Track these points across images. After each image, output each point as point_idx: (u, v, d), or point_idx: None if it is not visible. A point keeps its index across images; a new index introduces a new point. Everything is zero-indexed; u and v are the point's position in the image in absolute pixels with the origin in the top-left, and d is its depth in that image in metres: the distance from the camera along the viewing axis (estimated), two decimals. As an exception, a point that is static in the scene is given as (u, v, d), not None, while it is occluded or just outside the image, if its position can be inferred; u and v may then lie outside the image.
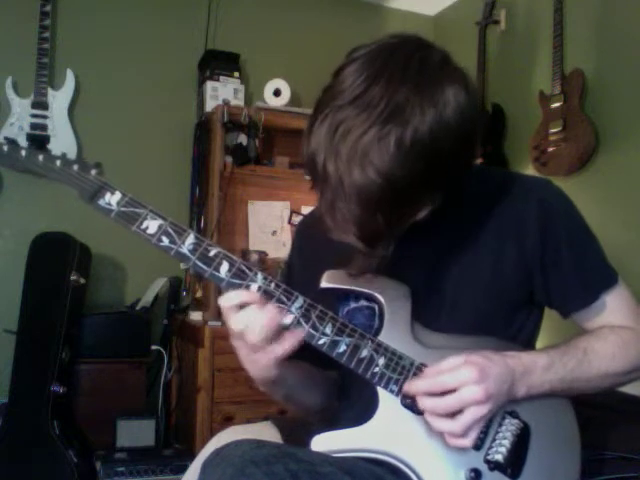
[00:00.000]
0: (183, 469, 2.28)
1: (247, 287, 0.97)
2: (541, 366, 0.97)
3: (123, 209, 0.98)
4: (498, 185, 1.07)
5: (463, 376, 0.91)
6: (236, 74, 3.10)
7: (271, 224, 3.23)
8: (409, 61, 0.86)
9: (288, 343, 0.95)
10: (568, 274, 1.03)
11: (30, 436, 2.41)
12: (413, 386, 0.95)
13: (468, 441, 0.93)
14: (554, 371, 0.97)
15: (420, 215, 0.94)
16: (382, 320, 1.03)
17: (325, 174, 0.85)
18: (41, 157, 0.99)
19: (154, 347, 2.89)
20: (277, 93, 3.11)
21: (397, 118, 0.82)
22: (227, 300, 0.95)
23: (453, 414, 0.91)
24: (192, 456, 2.15)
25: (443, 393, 0.92)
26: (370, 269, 1.01)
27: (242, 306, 0.95)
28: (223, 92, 3.05)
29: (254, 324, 0.93)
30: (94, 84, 3.02)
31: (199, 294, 3.00)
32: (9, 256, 2.82)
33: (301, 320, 0.97)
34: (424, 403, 0.93)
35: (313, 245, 1.18)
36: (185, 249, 0.97)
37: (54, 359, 2.46)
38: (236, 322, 0.94)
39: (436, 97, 0.84)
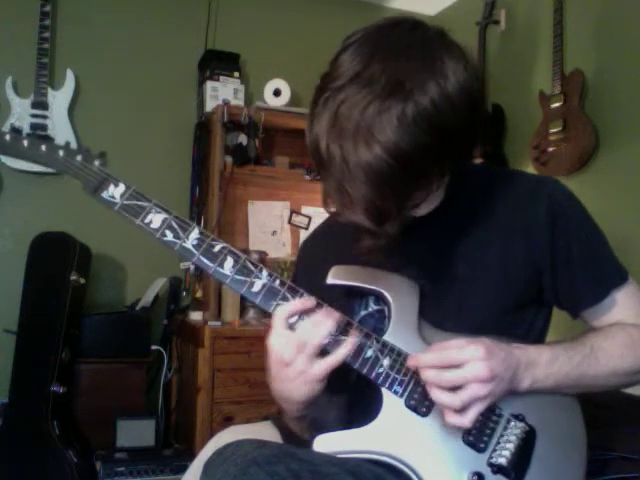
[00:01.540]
0: (183, 469, 2.28)
1: (251, 284, 0.97)
2: (546, 359, 0.96)
3: (127, 202, 0.98)
4: (503, 184, 1.06)
5: (470, 353, 0.90)
6: (236, 74, 3.10)
7: (271, 224, 3.23)
8: (406, 37, 0.87)
9: (346, 346, 0.95)
10: (578, 271, 1.02)
11: (30, 436, 2.40)
12: (420, 359, 0.93)
13: (467, 420, 0.91)
14: (559, 365, 0.97)
15: (430, 190, 0.93)
16: (390, 319, 1.01)
17: (329, 156, 0.85)
18: (44, 147, 0.99)
19: (154, 347, 2.88)
20: (277, 93, 3.11)
21: (398, 92, 0.82)
22: (283, 311, 0.95)
23: (455, 389, 0.90)
24: (192, 456, 2.16)
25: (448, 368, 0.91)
26: (378, 250, 0.99)
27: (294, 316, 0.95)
28: (223, 92, 3.05)
29: (320, 327, 0.93)
30: (94, 84, 3.02)
31: (199, 294, 3.00)
32: (9, 256, 2.82)
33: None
34: (428, 374, 0.92)
35: (318, 261, 1.16)
36: (189, 244, 0.97)
37: (54, 359, 2.45)
38: (301, 330, 0.94)
39: (436, 70, 0.84)
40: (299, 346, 0.93)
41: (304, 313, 0.96)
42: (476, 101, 0.90)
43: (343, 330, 0.97)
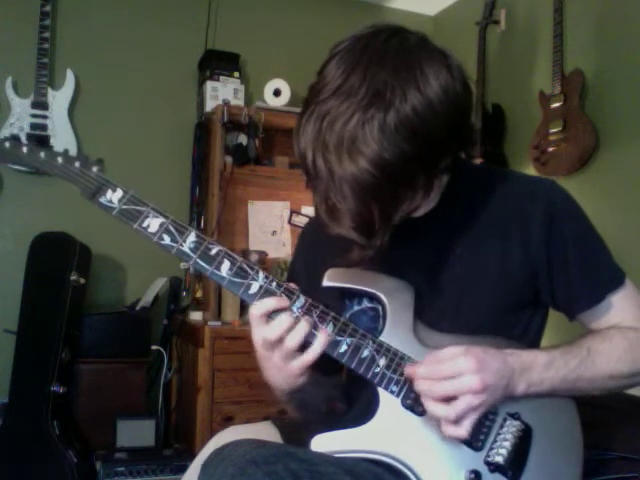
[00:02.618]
0: (183, 469, 2.29)
1: (248, 286, 0.97)
2: (541, 363, 0.96)
3: (125, 207, 0.98)
4: (502, 184, 1.06)
5: (462, 365, 0.91)
6: (236, 74, 3.10)
7: (271, 224, 3.23)
8: (386, 46, 0.87)
9: (319, 344, 0.95)
10: (574, 274, 1.02)
11: (30, 436, 2.41)
12: (413, 372, 0.94)
13: (463, 430, 0.92)
14: (555, 369, 0.97)
15: (416, 201, 0.94)
16: (385, 320, 1.02)
17: (315, 169, 0.86)
18: (43, 154, 0.99)
19: (154, 347, 2.88)
20: (277, 93, 3.11)
21: (378, 102, 0.83)
22: (260, 307, 0.95)
23: (449, 400, 0.91)
24: (192, 456, 2.16)
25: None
26: (367, 260, 1.00)
27: (272, 313, 0.95)
28: (223, 92, 3.05)
29: (295, 328, 0.93)
30: (94, 84, 3.03)
31: (199, 294, 3.00)
32: (9, 256, 2.82)
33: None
34: (421, 386, 0.93)
35: (316, 251, 1.17)
36: (186, 248, 0.97)
37: (54, 359, 2.46)
38: (274, 327, 0.94)
39: (416, 77, 0.85)
40: (274, 343, 0.94)
41: (280, 311, 0.96)
42: (461, 106, 0.90)
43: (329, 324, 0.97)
